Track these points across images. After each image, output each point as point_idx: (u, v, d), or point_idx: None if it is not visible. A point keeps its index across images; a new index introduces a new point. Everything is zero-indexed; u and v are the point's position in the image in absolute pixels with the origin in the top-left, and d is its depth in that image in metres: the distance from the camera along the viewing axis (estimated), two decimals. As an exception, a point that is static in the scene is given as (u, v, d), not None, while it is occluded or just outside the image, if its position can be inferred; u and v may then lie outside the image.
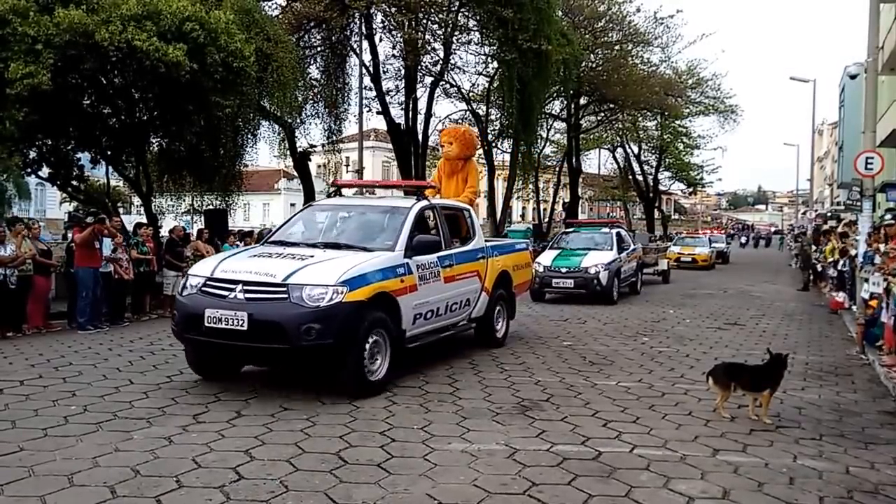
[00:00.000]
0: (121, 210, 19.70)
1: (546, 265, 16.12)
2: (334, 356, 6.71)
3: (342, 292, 6.62)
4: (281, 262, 7.14)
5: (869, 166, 13.35)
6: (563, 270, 15.88)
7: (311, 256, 7.28)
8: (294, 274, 6.78)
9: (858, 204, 14.46)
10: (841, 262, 16.40)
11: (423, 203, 8.68)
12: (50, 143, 15.07)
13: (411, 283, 7.62)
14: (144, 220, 15.13)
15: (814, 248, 23.12)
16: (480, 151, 28.68)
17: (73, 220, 12.82)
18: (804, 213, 58.25)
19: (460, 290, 8.78)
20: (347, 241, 8.04)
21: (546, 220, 39.88)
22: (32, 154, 15.21)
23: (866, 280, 10.60)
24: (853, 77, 24.78)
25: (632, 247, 18.01)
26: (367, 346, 6.88)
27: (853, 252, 15.09)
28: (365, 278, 6.91)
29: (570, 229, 19.80)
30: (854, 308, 12.43)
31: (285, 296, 6.62)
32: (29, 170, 15.88)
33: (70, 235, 14.05)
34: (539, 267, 15.67)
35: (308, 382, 7.30)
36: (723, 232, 51.86)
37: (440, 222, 8.81)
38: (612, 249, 16.51)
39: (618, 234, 17.47)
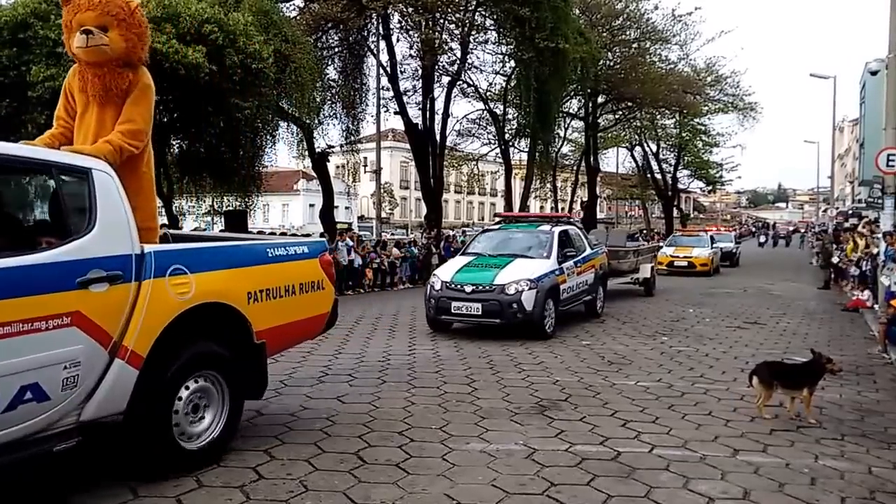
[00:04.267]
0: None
1: (445, 280, 11.02)
2: None
3: None
4: None
5: (890, 163, 13.24)
6: (468, 289, 10.66)
7: None
8: None
9: (880, 201, 14.30)
10: (864, 260, 16.23)
11: None
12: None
13: None
14: (166, 222, 15.29)
15: (834, 246, 22.87)
16: (498, 152, 28.75)
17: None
18: (825, 211, 57.69)
19: None
20: None
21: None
22: (54, 156, 15.42)
23: (887, 277, 10.49)
24: (874, 73, 24.53)
25: (587, 252, 13.09)
26: None
27: (874, 250, 14.94)
28: None
29: (496, 226, 14.45)
30: (876, 307, 12.30)
31: None
32: (51, 172, 16.08)
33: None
34: (436, 283, 11.20)
35: (322, 382, 7.34)
36: (731, 229, 45.46)
37: None
38: (548, 257, 11.55)
39: (563, 234, 12.39)
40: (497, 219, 14.88)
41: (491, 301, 10.52)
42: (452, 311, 10.79)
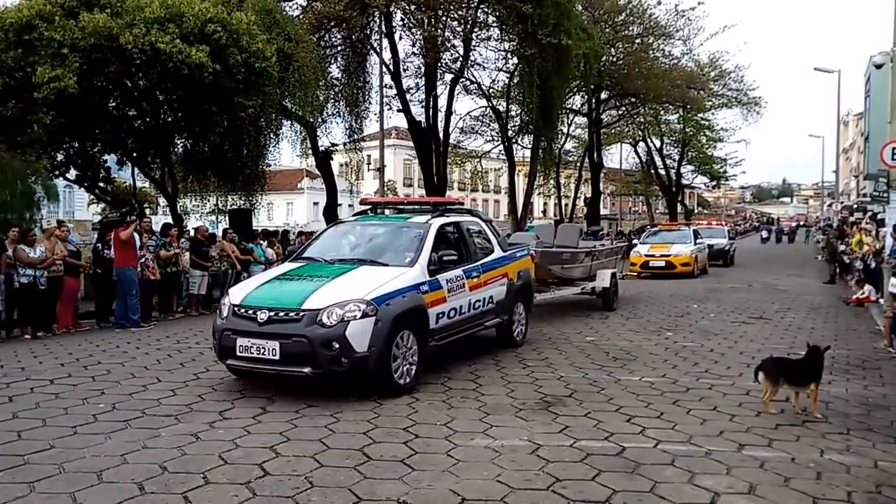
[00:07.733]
0: (147, 211, 20.01)
1: (234, 303, 7.14)
2: None
3: None
4: None
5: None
6: (262, 318, 6.74)
7: None
8: None
9: (885, 195, 14.26)
10: (869, 257, 16.17)
11: None
12: (77, 145, 15.38)
13: None
14: (171, 221, 15.34)
15: (839, 240, 22.81)
16: (501, 149, 28.78)
17: (111, 224, 13.01)
18: (830, 206, 57.51)
19: None
20: None
21: (568, 215, 39.77)
22: (60, 157, 15.53)
23: (894, 274, 10.44)
24: (879, 66, 24.39)
25: (495, 255, 9.24)
26: None
27: (878, 245, 14.89)
28: None
29: (353, 217, 9.78)
30: (881, 301, 12.26)
31: None
32: (57, 172, 16.23)
33: (97, 238, 14.10)
34: (224, 307, 7.32)
35: (332, 381, 7.33)
36: (723, 223, 40.07)
37: None
38: (411, 264, 7.60)
39: (448, 228, 8.66)
40: (363, 206, 9.93)
41: (295, 338, 6.55)
42: (238, 352, 6.82)
